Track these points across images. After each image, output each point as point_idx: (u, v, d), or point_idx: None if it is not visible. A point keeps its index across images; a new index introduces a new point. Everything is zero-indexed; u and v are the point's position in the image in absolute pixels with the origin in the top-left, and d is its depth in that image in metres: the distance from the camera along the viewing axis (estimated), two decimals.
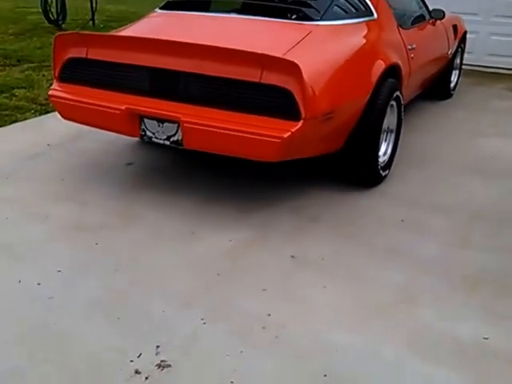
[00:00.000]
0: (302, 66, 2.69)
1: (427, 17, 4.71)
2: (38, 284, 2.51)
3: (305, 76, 2.69)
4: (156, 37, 3.09)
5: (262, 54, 2.71)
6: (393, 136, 3.72)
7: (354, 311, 2.38)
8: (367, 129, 3.30)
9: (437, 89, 5.52)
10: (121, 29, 3.59)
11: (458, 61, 5.86)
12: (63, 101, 3.27)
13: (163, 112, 2.98)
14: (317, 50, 3.07)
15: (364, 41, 3.39)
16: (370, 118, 3.29)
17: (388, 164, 3.67)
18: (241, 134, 2.77)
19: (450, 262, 2.78)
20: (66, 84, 3.32)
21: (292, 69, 2.68)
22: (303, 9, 3.32)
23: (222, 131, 2.81)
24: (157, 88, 3.04)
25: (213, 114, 2.87)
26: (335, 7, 3.42)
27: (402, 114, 3.72)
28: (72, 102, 3.22)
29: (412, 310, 2.40)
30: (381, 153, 3.62)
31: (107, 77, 3.17)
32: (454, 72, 5.78)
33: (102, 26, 9.29)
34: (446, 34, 5.15)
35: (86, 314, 2.34)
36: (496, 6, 7.26)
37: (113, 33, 3.51)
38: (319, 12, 3.33)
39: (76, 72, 3.27)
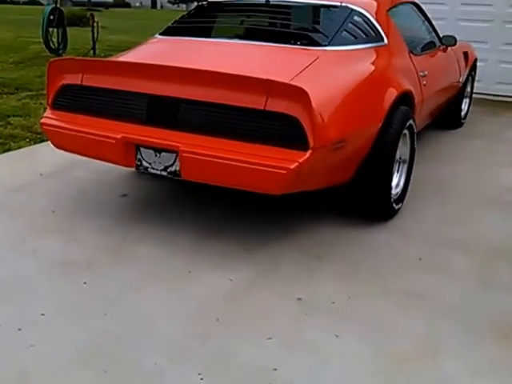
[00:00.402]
0: (310, 92, 2.49)
1: (438, 43, 4.54)
2: (19, 329, 2.27)
3: (313, 102, 2.49)
4: (154, 62, 2.91)
5: (267, 80, 2.51)
6: (405, 167, 3.50)
7: (371, 364, 2.12)
8: (379, 159, 3.08)
9: (447, 117, 5.33)
10: (119, 55, 3.41)
11: (468, 89, 5.67)
12: (56, 129, 3.07)
13: (160, 141, 2.77)
14: (325, 75, 2.88)
15: (374, 67, 3.20)
16: (382, 148, 3.08)
17: (401, 197, 3.43)
18: (243, 165, 2.55)
19: (474, 306, 2.53)
20: (59, 112, 3.13)
21: (299, 95, 2.48)
22: (310, 34, 3.14)
23: (223, 161, 2.59)
24: (154, 116, 2.84)
25: (213, 144, 2.66)
26: (344, 32, 3.24)
27: (415, 143, 3.51)
28: (65, 131, 3.02)
29: (437, 362, 2.14)
30: (393, 184, 3.40)
31: (102, 104, 2.98)
32: (464, 100, 5.60)
33: (102, 55, 9.21)
34: (457, 62, 4.97)
35: (69, 365, 2.08)
36: (505, 34, 7.13)
37: (110, 59, 3.33)
38: (327, 37, 3.14)
39: (70, 99, 3.08)
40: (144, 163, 2.90)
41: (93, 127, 2.93)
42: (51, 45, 9.26)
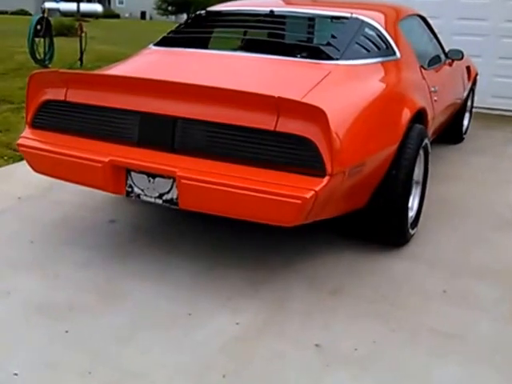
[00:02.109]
0: (327, 111, 2.20)
1: (443, 57, 4.29)
2: None
3: (330, 122, 2.20)
4: (148, 76, 2.60)
5: (278, 98, 2.21)
6: (419, 188, 3.22)
7: None
8: (396, 181, 2.80)
9: (449, 132, 5.08)
10: (109, 67, 3.09)
11: (469, 103, 5.46)
12: (35, 151, 2.73)
13: (154, 165, 2.45)
14: (339, 92, 2.60)
15: (389, 83, 2.93)
16: (399, 170, 2.80)
17: (415, 220, 3.16)
18: (251, 193, 2.25)
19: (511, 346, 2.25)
20: (39, 131, 2.79)
21: (315, 114, 2.19)
22: (320, 46, 2.85)
23: (227, 189, 2.28)
24: (148, 136, 2.52)
25: (216, 169, 2.35)
26: (356, 45, 2.96)
27: (429, 163, 3.24)
28: (45, 153, 2.68)
29: None
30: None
31: (89, 123, 2.65)
32: (466, 115, 5.38)
33: (89, 66, 8.85)
34: (462, 76, 4.75)
35: None
36: (500, 48, 6.97)
37: (98, 71, 3.01)
38: (338, 50, 2.86)
39: (52, 117, 2.75)
40: (136, 189, 2.58)
41: (77, 149, 2.60)
42: (37, 55, 8.90)
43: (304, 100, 2.34)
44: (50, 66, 8.78)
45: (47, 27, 9.07)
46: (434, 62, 3.92)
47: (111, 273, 2.72)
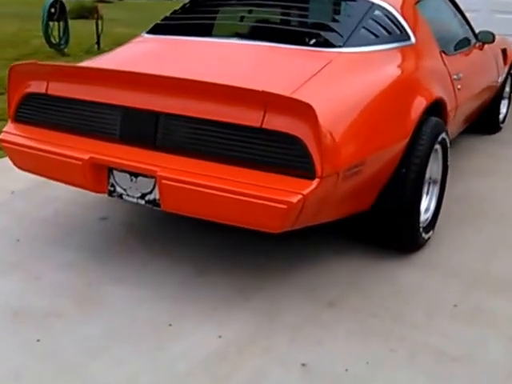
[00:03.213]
0: (318, 106, 1.97)
1: (473, 40, 3.94)
2: None
3: (321, 120, 1.96)
4: (133, 68, 2.41)
5: (263, 92, 1.99)
6: (436, 188, 2.94)
7: None
8: (406, 181, 2.53)
9: (484, 122, 4.69)
10: (96, 57, 2.91)
11: (507, 89, 5.04)
12: (16, 147, 2.58)
13: (136, 163, 2.27)
14: (339, 84, 2.34)
15: (400, 71, 2.65)
16: (410, 168, 2.53)
17: (431, 223, 2.88)
18: (234, 196, 2.04)
19: None
20: (22, 125, 2.64)
21: (303, 111, 1.95)
22: (322, 32, 2.59)
23: (210, 191, 2.08)
24: (129, 132, 2.34)
25: (199, 168, 2.15)
26: (363, 30, 2.69)
27: (449, 159, 2.95)
28: (25, 149, 2.53)
29: None
30: (422, 209, 2.85)
31: (70, 118, 2.49)
32: (503, 102, 4.96)
33: (106, 49, 8.75)
34: (495, 60, 4.37)
35: None
36: None
37: (84, 63, 2.83)
38: (342, 36, 2.59)
39: (35, 111, 2.59)
40: (118, 189, 2.41)
41: (57, 145, 2.44)
42: (52, 39, 8.83)
43: (295, 94, 2.11)
44: (65, 50, 8.70)
45: (61, 10, 8.93)
46: (461, 45, 3.58)
47: (94, 276, 2.56)
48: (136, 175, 2.31)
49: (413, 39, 2.90)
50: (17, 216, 3.16)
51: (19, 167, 2.65)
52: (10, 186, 3.50)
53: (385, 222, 2.63)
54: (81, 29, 9.70)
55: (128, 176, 2.34)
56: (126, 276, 2.57)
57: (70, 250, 2.79)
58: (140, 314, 2.30)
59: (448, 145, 2.87)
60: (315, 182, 1.98)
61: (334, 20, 2.70)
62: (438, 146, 2.80)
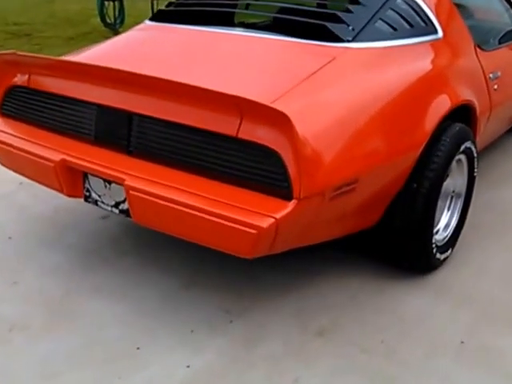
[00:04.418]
0: (301, 115, 1.72)
1: None
2: None
3: (301, 131, 1.69)
4: (118, 62, 2.20)
5: (238, 97, 1.72)
6: (460, 202, 2.60)
7: None
8: (416, 197, 2.22)
9: None
10: (90, 47, 2.71)
11: None
12: None
13: (105, 170, 2.06)
14: (336, 86, 2.04)
15: (417, 71, 2.30)
16: (422, 183, 2.21)
17: (450, 242, 2.55)
18: (202, 215, 1.80)
19: None
20: (6, 120, 2.49)
21: (279, 121, 1.68)
22: (329, 24, 2.27)
23: (177, 207, 1.85)
24: (104, 133, 2.14)
25: (170, 179, 1.92)
26: (379, 22, 2.35)
27: (475, 170, 2.60)
28: (4, 146, 2.38)
29: None
30: (440, 226, 2.53)
31: (49, 114, 2.31)
32: None
33: None
34: None
35: None
36: None
37: (73, 53, 2.64)
38: (353, 29, 2.27)
39: (18, 105, 2.44)
40: (93, 195, 2.22)
41: (32, 143, 2.27)
42: (107, 19, 8.78)
43: (280, 100, 1.85)
44: (120, 30, 8.60)
45: None
46: (505, 39, 3.16)
47: (74, 284, 2.40)
48: (109, 182, 2.11)
49: (440, 33, 2.54)
50: (16, 210, 3.05)
51: (3, 165, 2.50)
52: (20, 176, 3.40)
53: (392, 241, 2.33)
54: (141, 7, 9.54)
55: (102, 182, 2.14)
56: (108, 286, 2.39)
57: (58, 251, 2.65)
58: (110, 333, 2.12)
59: (475, 154, 2.52)
60: (292, 204, 1.71)
61: (347, 10, 2.37)
62: (461, 156, 2.47)
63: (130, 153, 2.07)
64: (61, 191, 2.26)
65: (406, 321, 2.21)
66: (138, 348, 2.05)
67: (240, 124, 1.80)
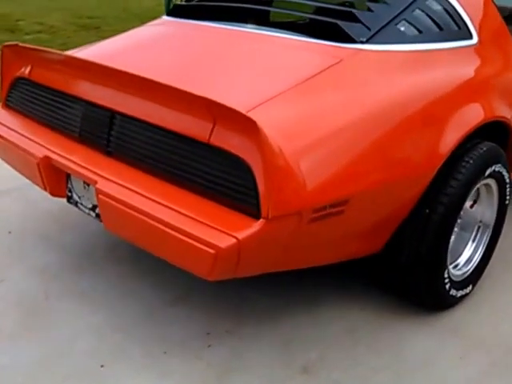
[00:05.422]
0: (278, 124, 1.51)
1: None
2: None
3: (274, 141, 1.47)
4: (114, 58, 2.09)
5: (209, 100, 1.53)
6: (487, 234, 2.28)
7: None
8: (427, 225, 1.93)
9: None
10: (98, 42, 2.59)
11: None
12: None
13: (81, 170, 1.92)
14: (335, 93, 1.80)
15: (440, 80, 2.01)
16: (435, 209, 1.93)
17: (471, 278, 2.24)
18: (163, 228, 1.61)
19: None
20: (10, 111, 2.42)
21: (248, 128, 1.48)
22: (343, 23, 2.03)
23: (140, 216, 1.67)
24: (87, 131, 2.01)
25: (140, 185, 1.75)
26: (402, 23, 2.08)
27: (507, 198, 2.27)
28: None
29: None
30: (461, 260, 2.23)
31: (43, 108, 2.22)
32: None
33: None
34: None
35: None
36: None
37: (82, 48, 2.53)
38: (369, 29, 2.02)
39: (20, 97, 2.36)
40: (74, 196, 2.09)
41: (22, 137, 2.18)
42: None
43: (265, 104, 1.64)
44: None
45: None
46: None
47: (58, 287, 2.29)
48: (88, 183, 1.97)
49: (475, 38, 2.23)
50: (23, 204, 2.99)
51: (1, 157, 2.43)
52: None
53: (400, 272, 2.06)
54: None
55: (82, 183, 2.00)
56: (92, 293, 2.26)
57: (52, 250, 2.56)
58: (78, 347, 1.98)
59: (507, 180, 2.20)
60: (258, 225, 1.49)
61: (367, 8, 2.12)
62: (490, 181, 2.15)
63: (108, 153, 1.92)
64: (44, 189, 2.14)
65: (406, 364, 1.93)
66: (102, 366, 1.89)
67: (213, 129, 1.60)
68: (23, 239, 2.65)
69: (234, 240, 1.48)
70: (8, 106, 2.42)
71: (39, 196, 3.02)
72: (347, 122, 1.69)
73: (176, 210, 1.61)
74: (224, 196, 1.58)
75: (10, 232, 2.71)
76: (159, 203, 1.65)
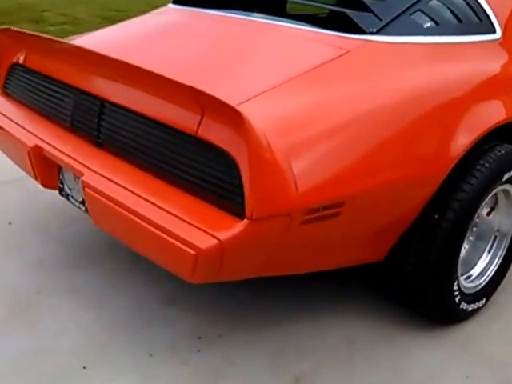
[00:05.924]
0: (269, 117, 1.40)
1: None
2: None
3: (262, 135, 1.36)
4: (113, 46, 2.00)
5: (198, 91, 1.42)
6: (505, 244, 2.12)
7: None
8: (436, 232, 1.79)
9: None
10: (100, 30, 2.51)
11: None
12: None
13: (69, 161, 1.84)
14: (338, 86, 1.66)
15: (455, 75, 1.85)
16: (445, 215, 1.78)
17: (484, 291, 2.09)
18: (145, 224, 1.51)
19: None
20: (7, 98, 2.35)
21: (234, 120, 1.36)
22: (351, 12, 1.89)
23: (124, 212, 1.57)
24: (78, 120, 1.92)
25: (127, 178, 1.66)
26: (417, 14, 1.93)
27: None
28: None
29: None
30: (474, 272, 2.08)
31: (37, 95, 2.14)
32: None
33: None
34: None
35: None
36: None
37: (80, 35, 2.45)
38: (380, 20, 1.88)
39: (16, 83, 2.30)
40: (65, 188, 2.01)
41: (15, 124, 2.11)
42: None
43: (260, 96, 1.53)
44: None
45: None
46: None
47: (51, 281, 2.22)
48: (77, 175, 1.88)
49: (499, 33, 2.07)
50: (26, 196, 2.93)
51: None
52: None
53: (405, 281, 1.91)
54: None
55: (72, 175, 1.92)
56: (85, 289, 2.19)
57: (49, 244, 2.49)
58: (64, 344, 1.90)
59: None
60: (242, 225, 1.38)
61: None
62: (508, 187, 2.00)
63: (98, 144, 1.83)
64: (36, 180, 2.07)
65: (407, 380, 1.79)
66: (84, 367, 1.81)
67: (200, 121, 1.49)
68: (22, 231, 2.59)
69: (216, 241, 1.37)
70: (5, 93, 2.36)
71: (41, 188, 2.98)
72: (347, 118, 1.56)
73: (160, 207, 1.50)
74: (211, 193, 1.47)
75: (10, 223, 2.65)
76: (144, 198, 1.55)
